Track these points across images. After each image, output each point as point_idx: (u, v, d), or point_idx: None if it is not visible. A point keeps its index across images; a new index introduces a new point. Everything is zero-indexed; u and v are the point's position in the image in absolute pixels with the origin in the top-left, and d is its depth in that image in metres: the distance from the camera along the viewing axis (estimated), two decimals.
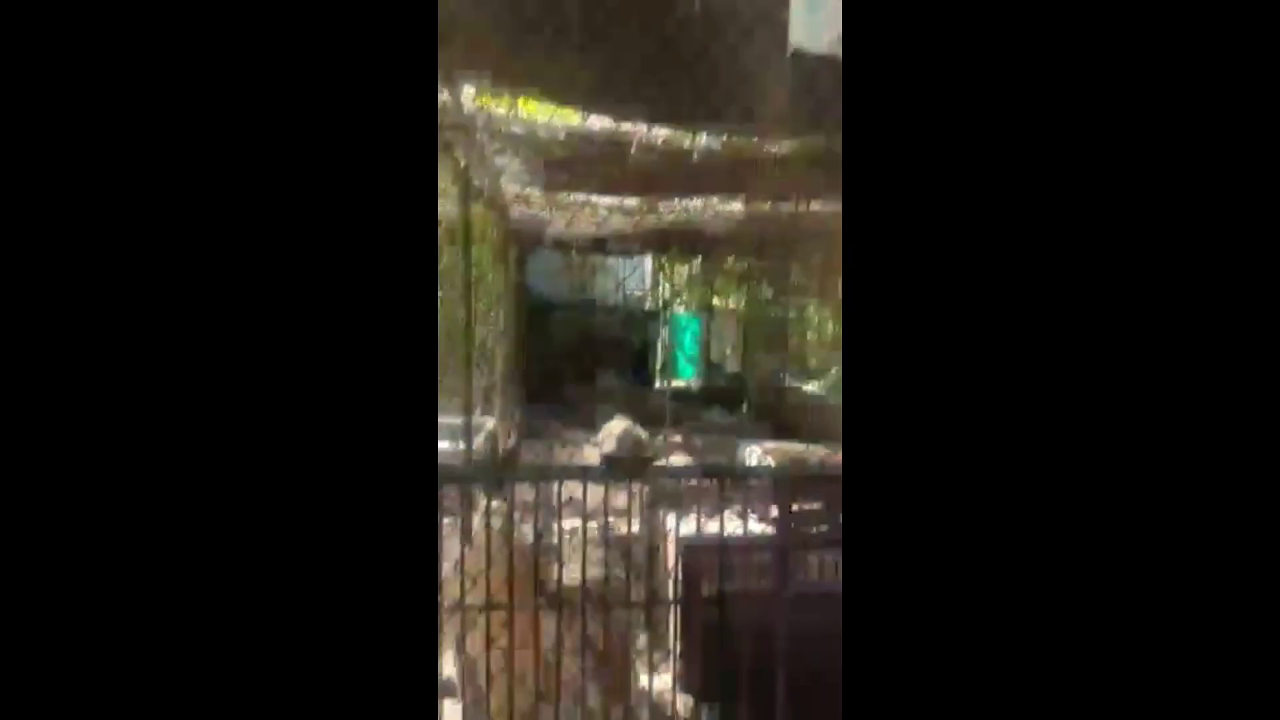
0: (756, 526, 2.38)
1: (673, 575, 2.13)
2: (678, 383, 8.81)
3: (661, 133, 2.75)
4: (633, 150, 2.86)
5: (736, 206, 4.62)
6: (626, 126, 2.68)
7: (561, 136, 2.78)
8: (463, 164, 3.29)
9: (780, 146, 2.87)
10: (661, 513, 2.51)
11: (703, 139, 2.84)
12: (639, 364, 8.49)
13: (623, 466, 2.56)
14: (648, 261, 8.94)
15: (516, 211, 5.12)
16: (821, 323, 7.58)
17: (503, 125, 2.76)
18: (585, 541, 1.75)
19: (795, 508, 2.86)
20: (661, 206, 4.77)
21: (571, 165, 3.28)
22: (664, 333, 8.97)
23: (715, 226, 5.46)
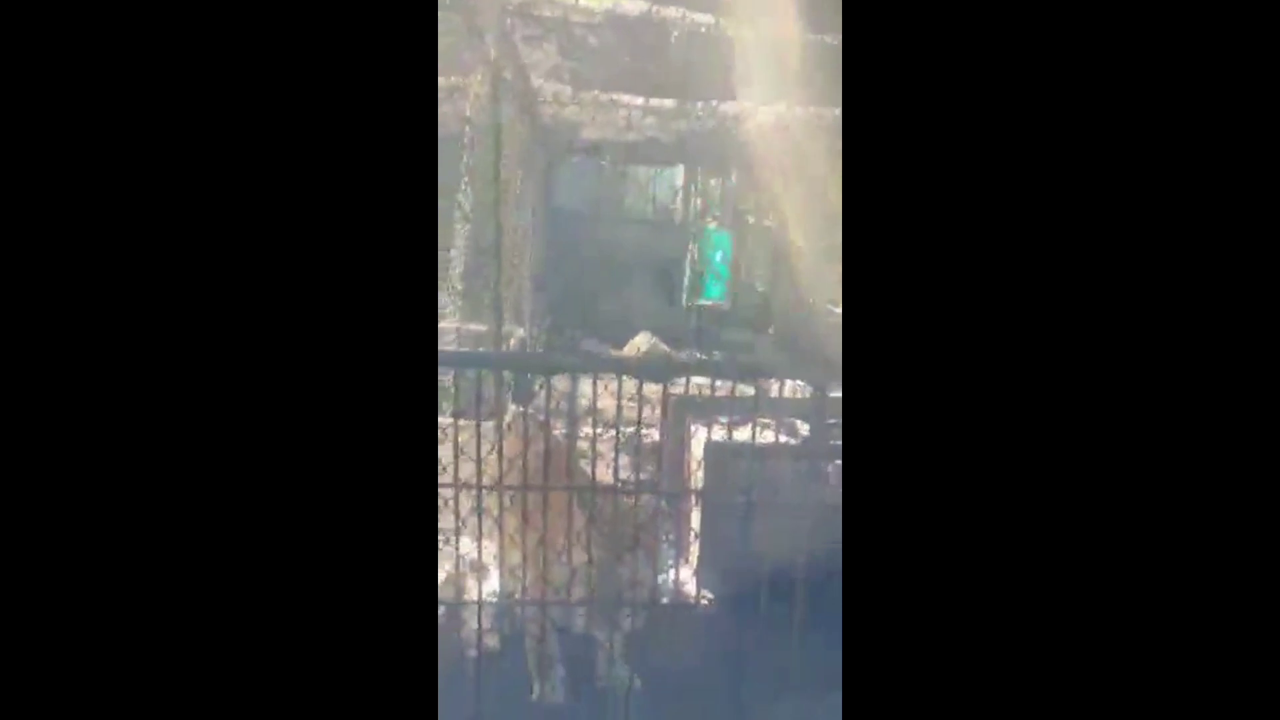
0: (785, 437, 2.35)
1: (695, 474, 2.14)
2: (705, 301, 8.69)
3: (704, 19, 2.56)
4: (673, 39, 2.68)
5: (779, 109, 4.38)
6: (667, 11, 2.50)
7: (596, 19, 2.61)
8: (493, 55, 3.13)
9: (833, 38, 2.66)
10: (689, 420, 2.50)
11: (748, 30, 2.64)
12: (666, 280, 8.35)
13: (651, 365, 2.55)
14: (680, 172, 8.66)
15: (545, 114, 4.94)
16: None
17: (534, 7, 2.59)
18: (619, 430, 1.74)
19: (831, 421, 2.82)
20: (700, 109, 4.55)
21: (605, 56, 3.10)
22: (693, 249, 8.79)
23: (752, 135, 5.22)
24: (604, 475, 1.92)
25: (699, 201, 8.80)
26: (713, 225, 9.19)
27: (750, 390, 2.18)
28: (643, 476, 2.14)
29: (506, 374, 2.40)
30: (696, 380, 2.75)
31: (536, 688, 1.94)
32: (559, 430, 1.93)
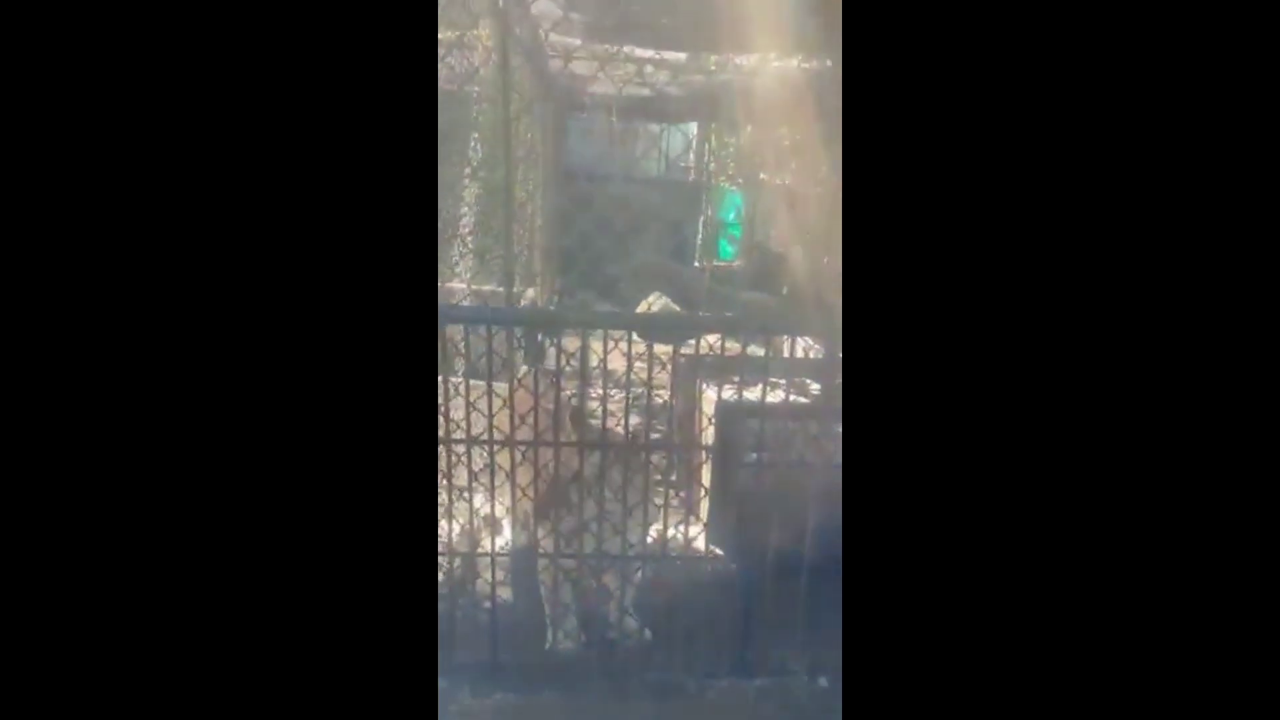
0: (796, 396, 2.35)
1: (706, 432, 2.15)
2: (718, 261, 8.59)
3: None
4: None
5: (796, 63, 4.25)
6: None
7: None
8: (500, 4, 3.05)
9: None
10: (699, 379, 2.50)
11: None
12: (679, 240, 8.23)
13: (662, 324, 2.53)
14: (693, 129, 8.48)
15: (555, 68, 4.82)
16: None
17: None
18: (628, 389, 1.75)
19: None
20: (713, 63, 4.42)
21: (614, 8, 3.01)
22: (707, 208, 8.65)
23: (768, 88, 5.07)
24: (614, 434, 1.93)
25: (712, 159, 8.63)
26: (726, 183, 9.03)
27: (762, 351, 2.17)
28: (654, 436, 2.15)
29: (517, 331, 2.40)
30: (709, 340, 2.73)
31: (550, 636, 1.99)
32: (569, 390, 1.94)
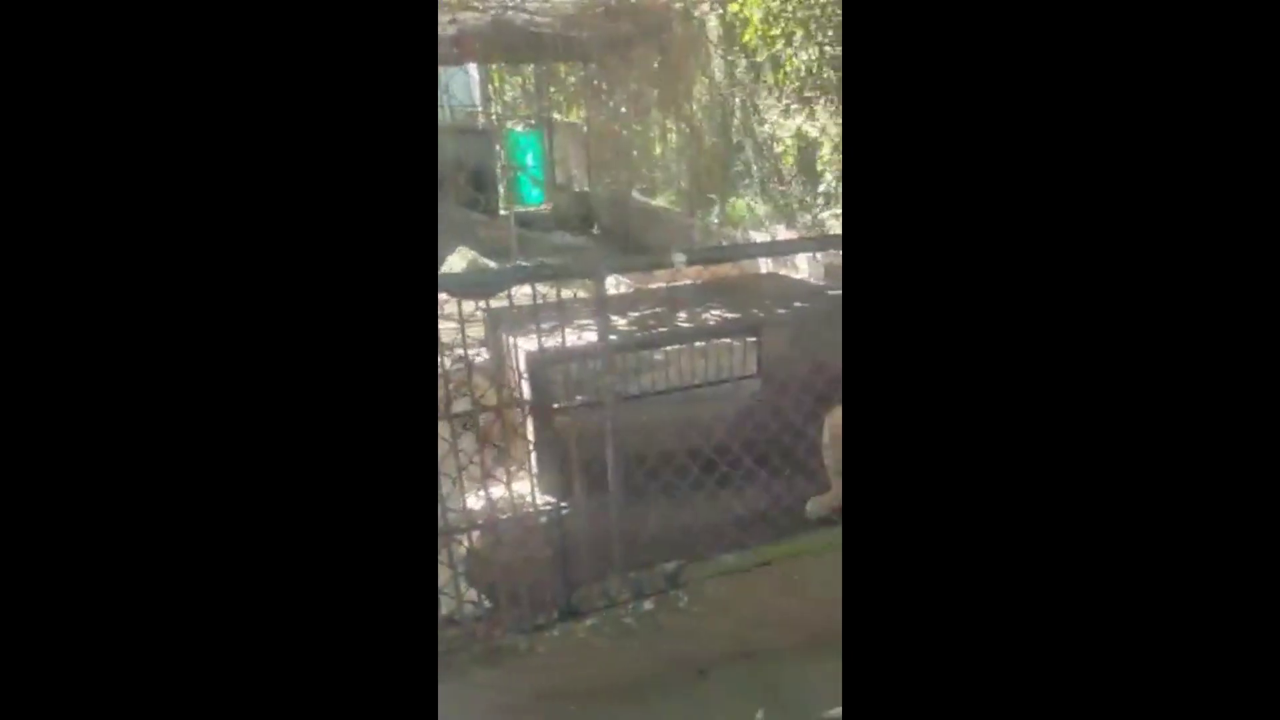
0: (594, 336, 2.37)
1: (520, 385, 2.12)
2: (522, 208, 8.37)
3: None
4: None
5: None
6: None
7: None
8: None
9: None
10: (507, 335, 2.44)
11: None
12: (478, 188, 7.87)
13: (468, 280, 2.41)
14: (473, 70, 8.03)
15: None
16: (665, 133, 7.36)
17: None
18: (439, 354, 1.65)
19: (636, 314, 2.88)
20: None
21: None
22: (500, 153, 8.33)
23: (546, 26, 4.90)
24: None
25: (498, 101, 8.25)
26: (518, 126, 8.73)
27: (580, 294, 2.13)
28: (473, 397, 2.07)
29: None
30: (526, 290, 2.65)
31: None
32: None
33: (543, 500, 2.00)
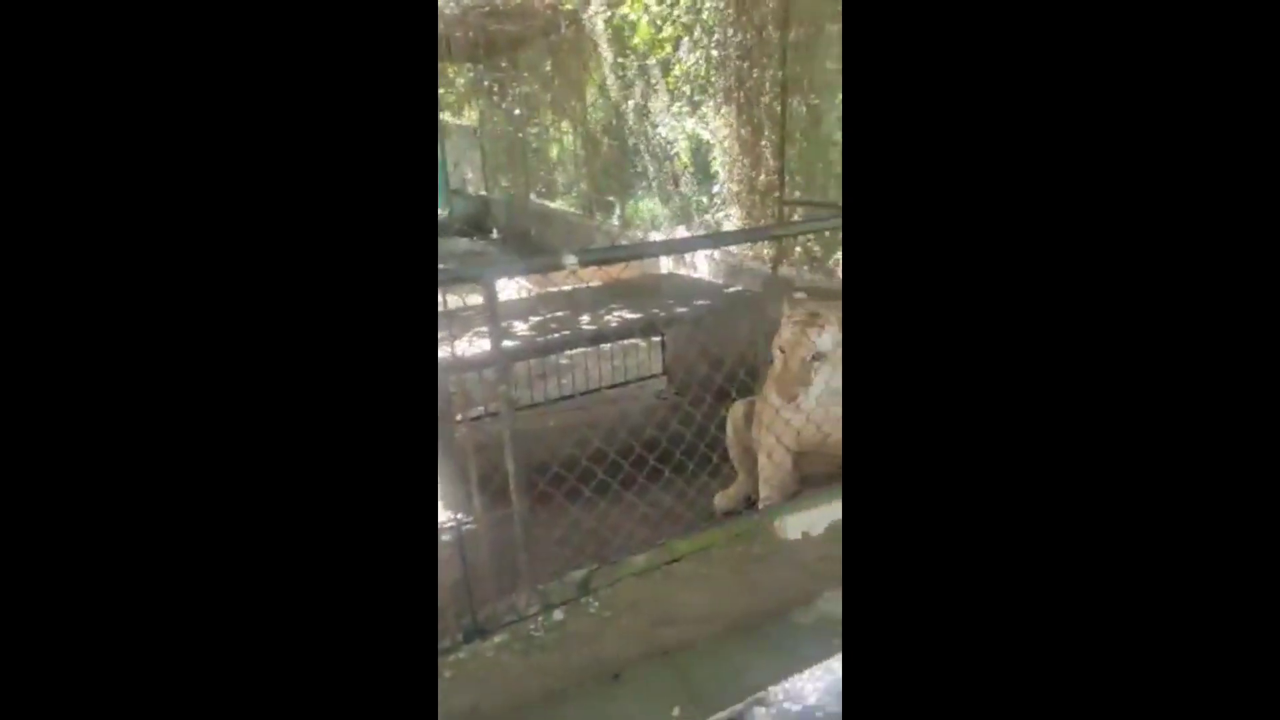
0: (508, 343, 2.32)
1: None
2: None
3: None
4: None
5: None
6: None
7: None
8: None
9: None
10: None
11: None
12: None
13: None
14: None
15: None
16: (562, 136, 7.31)
17: None
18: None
19: (535, 320, 2.84)
20: None
21: None
22: None
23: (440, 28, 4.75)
24: None
25: None
26: None
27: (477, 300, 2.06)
28: None
29: None
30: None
31: None
32: None
33: (443, 517, 1.92)
